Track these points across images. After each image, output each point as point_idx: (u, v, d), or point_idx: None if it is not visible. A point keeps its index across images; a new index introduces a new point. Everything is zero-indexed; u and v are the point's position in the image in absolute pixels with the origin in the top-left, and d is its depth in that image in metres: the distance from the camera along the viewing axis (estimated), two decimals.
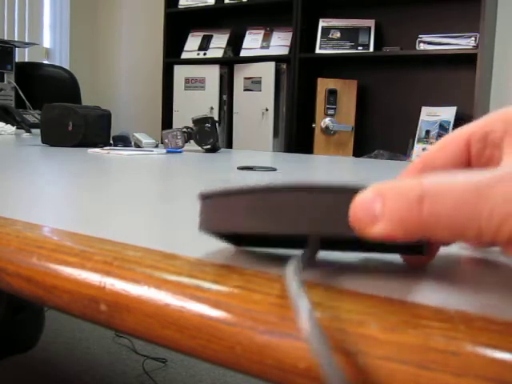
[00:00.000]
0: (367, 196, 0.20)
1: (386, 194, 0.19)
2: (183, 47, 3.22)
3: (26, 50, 3.46)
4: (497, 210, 0.18)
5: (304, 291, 0.21)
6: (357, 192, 0.20)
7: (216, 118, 1.53)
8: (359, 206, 0.20)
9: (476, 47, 2.36)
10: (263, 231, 0.23)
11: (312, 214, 0.22)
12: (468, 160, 0.24)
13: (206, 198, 0.24)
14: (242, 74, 2.98)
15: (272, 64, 2.83)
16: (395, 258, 0.26)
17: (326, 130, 2.73)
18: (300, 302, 0.20)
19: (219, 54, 3.11)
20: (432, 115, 2.56)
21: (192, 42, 3.22)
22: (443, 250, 0.26)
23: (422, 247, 0.24)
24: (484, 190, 0.18)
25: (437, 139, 2.50)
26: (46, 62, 3.62)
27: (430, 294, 0.22)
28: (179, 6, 3.19)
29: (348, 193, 0.21)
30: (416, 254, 0.25)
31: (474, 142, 0.24)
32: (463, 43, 2.41)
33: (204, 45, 3.17)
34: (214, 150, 1.22)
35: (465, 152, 0.24)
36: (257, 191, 0.22)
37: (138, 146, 1.26)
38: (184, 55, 3.21)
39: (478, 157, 0.24)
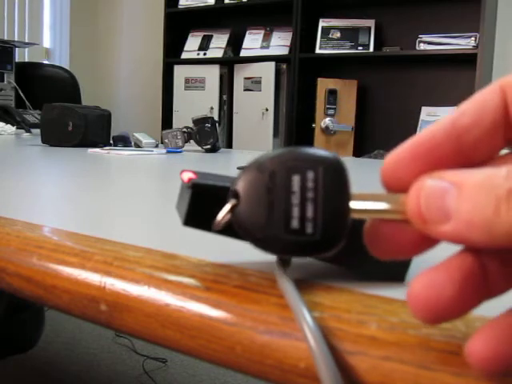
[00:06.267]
0: (439, 184, 0.16)
1: (463, 185, 0.16)
2: (183, 47, 3.22)
3: (26, 50, 3.46)
4: None
5: (298, 291, 0.21)
6: None
7: (216, 118, 1.53)
8: (432, 194, 0.16)
9: (476, 47, 2.36)
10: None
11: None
12: (504, 112, 0.18)
13: (198, 189, 0.23)
14: (242, 73, 2.98)
15: (272, 64, 2.82)
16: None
17: (326, 130, 2.73)
18: (297, 303, 0.20)
19: (219, 54, 3.11)
20: (432, 115, 2.56)
21: (192, 42, 3.22)
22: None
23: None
24: None
25: None
26: (45, 62, 3.62)
27: None
28: (179, 6, 3.19)
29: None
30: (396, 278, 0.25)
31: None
32: (463, 43, 2.41)
33: (204, 45, 3.17)
34: (214, 150, 1.22)
35: (500, 102, 0.18)
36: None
37: (138, 145, 1.26)
38: (184, 55, 3.21)
39: None
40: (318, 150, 0.20)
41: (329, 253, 0.20)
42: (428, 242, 0.18)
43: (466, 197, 0.16)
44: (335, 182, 0.19)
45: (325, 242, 0.19)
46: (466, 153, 0.18)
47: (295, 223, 0.19)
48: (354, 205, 0.19)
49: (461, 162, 0.18)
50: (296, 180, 0.19)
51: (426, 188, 0.17)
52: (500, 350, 0.16)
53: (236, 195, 0.20)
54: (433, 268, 0.17)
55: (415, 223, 0.17)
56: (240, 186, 0.20)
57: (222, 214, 0.21)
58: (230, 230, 0.23)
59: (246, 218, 0.20)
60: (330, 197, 0.19)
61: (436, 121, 0.19)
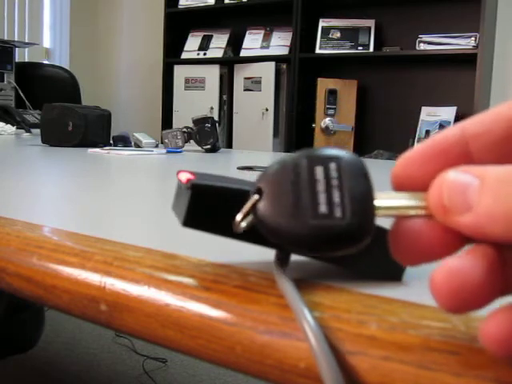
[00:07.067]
0: (462, 176, 0.17)
1: (485, 178, 0.16)
2: (183, 47, 3.22)
3: (26, 50, 3.46)
4: None
5: (298, 291, 0.21)
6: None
7: (216, 118, 1.53)
8: (454, 186, 0.17)
9: (476, 47, 2.36)
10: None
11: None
12: None
13: (198, 190, 0.23)
14: (242, 73, 2.98)
15: (272, 64, 2.82)
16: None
17: (326, 130, 2.73)
18: (298, 303, 0.20)
19: (219, 54, 3.11)
20: (432, 115, 2.56)
21: (192, 42, 3.22)
22: None
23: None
24: None
25: None
26: (45, 62, 3.62)
27: (430, 295, 0.22)
28: (179, 6, 3.19)
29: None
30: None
31: None
32: (463, 43, 2.41)
33: (204, 45, 3.17)
34: (214, 149, 1.21)
35: None
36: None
37: (138, 145, 1.26)
38: (184, 55, 3.21)
39: None
40: (337, 149, 0.20)
41: (360, 242, 0.19)
42: (453, 244, 0.18)
43: (487, 189, 0.16)
44: (358, 171, 0.19)
45: (355, 227, 0.18)
46: (476, 159, 0.18)
47: (323, 208, 0.19)
48: (376, 202, 0.19)
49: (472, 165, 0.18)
50: (319, 170, 0.19)
51: (449, 180, 0.17)
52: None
53: (259, 192, 0.20)
54: (457, 256, 0.17)
55: (436, 215, 0.17)
56: (262, 182, 0.20)
57: (244, 212, 0.20)
58: (233, 230, 0.23)
59: (271, 210, 0.19)
60: (354, 184, 0.19)
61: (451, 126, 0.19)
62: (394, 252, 0.19)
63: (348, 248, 0.19)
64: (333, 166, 0.19)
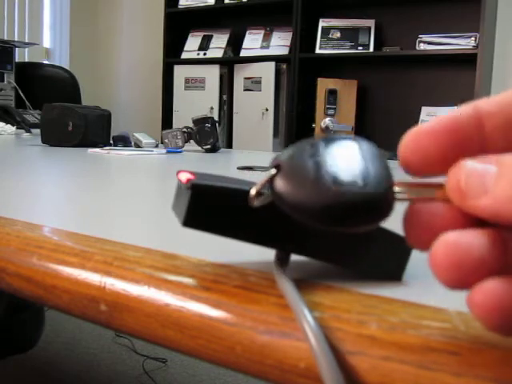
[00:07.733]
0: (479, 164, 0.17)
1: (502, 164, 0.17)
2: (183, 47, 3.22)
3: (26, 50, 3.46)
4: None
5: (298, 290, 0.21)
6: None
7: (216, 118, 1.53)
8: (472, 172, 0.17)
9: (476, 47, 2.36)
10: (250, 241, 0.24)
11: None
12: None
13: (198, 190, 0.22)
14: (242, 73, 2.98)
15: (272, 64, 2.82)
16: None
17: (326, 130, 2.73)
18: (298, 303, 0.20)
19: (219, 54, 3.11)
20: (432, 115, 2.56)
21: (192, 42, 3.22)
22: None
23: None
24: None
25: None
26: (45, 62, 3.62)
27: (430, 295, 0.22)
28: (179, 6, 3.19)
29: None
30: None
31: None
32: (463, 43, 2.41)
33: (204, 45, 3.17)
34: (214, 149, 1.21)
35: None
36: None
37: (138, 145, 1.26)
38: (184, 55, 3.21)
39: None
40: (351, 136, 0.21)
41: (380, 215, 0.18)
42: (467, 228, 0.18)
43: (504, 174, 0.17)
44: (375, 153, 0.20)
45: (377, 196, 0.18)
46: (489, 137, 0.18)
47: (344, 176, 0.18)
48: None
49: (483, 144, 0.18)
50: (337, 149, 0.19)
51: (467, 167, 0.18)
52: (504, 302, 0.16)
53: (277, 167, 0.19)
54: (458, 230, 0.17)
55: (454, 198, 0.18)
56: (279, 159, 0.20)
57: (259, 186, 0.20)
58: (233, 230, 0.23)
59: (290, 183, 0.19)
60: (373, 162, 0.19)
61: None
62: (407, 235, 0.19)
63: (367, 221, 0.18)
64: (350, 147, 0.20)
